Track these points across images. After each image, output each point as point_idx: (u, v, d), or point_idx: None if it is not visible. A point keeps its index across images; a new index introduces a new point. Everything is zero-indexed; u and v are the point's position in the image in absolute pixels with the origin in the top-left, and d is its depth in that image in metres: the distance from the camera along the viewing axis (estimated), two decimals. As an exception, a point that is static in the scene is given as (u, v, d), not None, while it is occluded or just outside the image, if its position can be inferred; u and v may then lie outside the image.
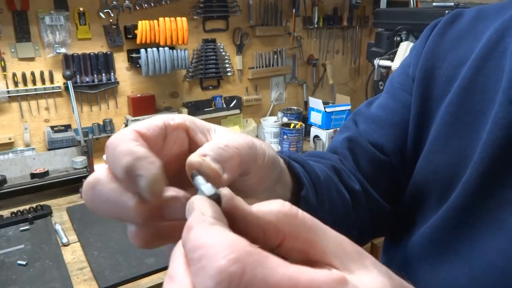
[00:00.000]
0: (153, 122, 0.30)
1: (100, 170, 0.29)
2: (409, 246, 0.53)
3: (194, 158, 0.28)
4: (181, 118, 0.32)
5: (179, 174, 0.32)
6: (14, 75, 1.51)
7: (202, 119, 0.34)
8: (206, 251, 0.21)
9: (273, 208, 0.26)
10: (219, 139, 0.31)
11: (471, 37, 0.52)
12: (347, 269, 0.24)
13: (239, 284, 0.20)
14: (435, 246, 0.49)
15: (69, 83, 1.55)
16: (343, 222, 0.54)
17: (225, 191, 0.26)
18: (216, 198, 0.26)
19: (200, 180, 0.29)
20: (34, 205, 1.35)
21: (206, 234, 0.22)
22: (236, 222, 0.25)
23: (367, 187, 0.56)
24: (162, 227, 0.30)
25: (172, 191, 0.28)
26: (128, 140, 0.28)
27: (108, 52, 1.65)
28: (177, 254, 0.24)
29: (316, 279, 0.21)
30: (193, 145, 0.33)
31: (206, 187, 0.27)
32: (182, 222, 0.24)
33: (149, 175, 0.26)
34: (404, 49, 1.49)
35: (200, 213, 0.24)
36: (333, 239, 0.25)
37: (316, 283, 0.21)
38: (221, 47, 1.92)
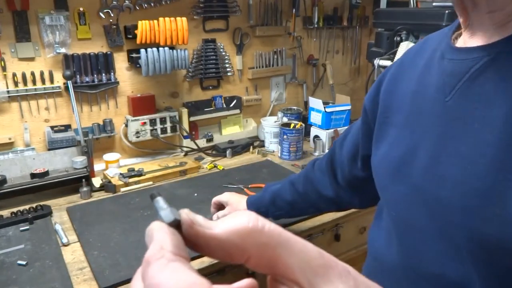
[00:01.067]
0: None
1: None
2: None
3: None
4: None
5: None
6: (14, 75, 1.51)
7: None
8: None
9: (238, 225, 0.26)
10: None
11: (418, 59, 0.63)
12: (311, 285, 0.25)
13: None
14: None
15: (69, 83, 1.55)
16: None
17: (184, 216, 0.26)
18: (176, 224, 0.25)
19: (160, 202, 0.27)
20: (34, 205, 1.35)
21: (162, 273, 0.22)
22: (199, 246, 0.26)
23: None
24: None
25: None
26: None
27: (108, 52, 1.65)
28: (136, 286, 0.24)
29: None
30: None
31: (166, 213, 0.26)
32: None
33: None
34: (404, 49, 1.49)
35: (159, 247, 0.23)
36: (299, 255, 0.26)
37: None
38: (221, 47, 1.92)
